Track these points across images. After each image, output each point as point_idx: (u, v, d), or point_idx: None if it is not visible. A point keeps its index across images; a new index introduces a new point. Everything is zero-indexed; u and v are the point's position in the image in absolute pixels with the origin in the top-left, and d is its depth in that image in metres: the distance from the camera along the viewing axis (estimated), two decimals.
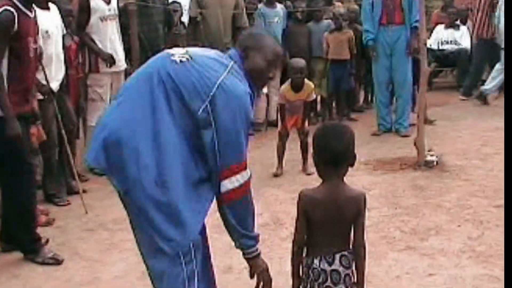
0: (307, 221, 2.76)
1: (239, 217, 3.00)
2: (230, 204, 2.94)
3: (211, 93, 2.79)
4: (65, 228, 5.18)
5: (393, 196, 5.59)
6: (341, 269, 2.75)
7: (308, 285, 2.80)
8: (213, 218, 5.15)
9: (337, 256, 2.75)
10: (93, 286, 4.11)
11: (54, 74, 5.64)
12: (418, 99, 6.80)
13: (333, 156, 2.70)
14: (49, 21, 5.60)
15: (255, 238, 3.08)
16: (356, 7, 9.13)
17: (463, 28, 11.21)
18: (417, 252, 4.38)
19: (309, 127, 6.59)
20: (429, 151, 6.53)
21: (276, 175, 6.42)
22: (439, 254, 4.33)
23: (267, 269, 3.13)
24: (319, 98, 9.08)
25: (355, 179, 6.06)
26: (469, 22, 11.49)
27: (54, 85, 5.60)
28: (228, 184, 2.87)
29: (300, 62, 6.42)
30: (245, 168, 2.90)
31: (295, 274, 2.86)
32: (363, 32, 8.23)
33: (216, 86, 2.80)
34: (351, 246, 2.81)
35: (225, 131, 2.81)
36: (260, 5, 8.63)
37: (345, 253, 2.78)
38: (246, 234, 3.06)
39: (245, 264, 4.22)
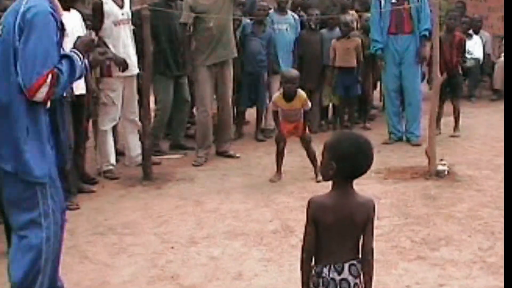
0: (316, 228, 2.75)
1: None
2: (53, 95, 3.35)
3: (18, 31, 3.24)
4: (75, 231, 5.18)
5: (404, 205, 5.56)
6: (350, 278, 2.74)
7: None
8: (223, 224, 5.21)
9: (346, 265, 2.75)
10: None
11: None
12: (430, 108, 6.75)
13: (361, 174, 2.74)
14: (69, 21, 5.67)
15: (77, 63, 3.46)
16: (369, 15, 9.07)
17: (476, 37, 11.17)
18: (428, 262, 4.36)
19: (315, 134, 6.57)
20: (440, 160, 6.50)
21: (272, 181, 6.44)
22: (449, 265, 4.30)
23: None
24: (331, 105, 9.10)
25: (366, 187, 6.02)
26: (482, 32, 11.47)
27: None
28: (43, 91, 3.26)
29: (291, 72, 6.49)
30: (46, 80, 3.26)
31: (304, 282, 2.82)
32: (371, 41, 8.23)
33: (18, 22, 3.24)
34: (359, 255, 2.81)
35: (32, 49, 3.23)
36: (270, 12, 8.62)
37: (354, 262, 2.77)
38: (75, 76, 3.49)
39: (256, 271, 4.25)
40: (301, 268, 2.83)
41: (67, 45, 5.61)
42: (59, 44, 3.42)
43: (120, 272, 4.36)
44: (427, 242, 4.71)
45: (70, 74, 3.39)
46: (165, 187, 6.36)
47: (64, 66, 3.37)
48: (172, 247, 4.75)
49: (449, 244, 4.66)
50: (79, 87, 5.83)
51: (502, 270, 4.11)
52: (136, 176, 6.66)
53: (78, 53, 3.50)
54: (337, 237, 2.74)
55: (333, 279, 2.72)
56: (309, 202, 2.76)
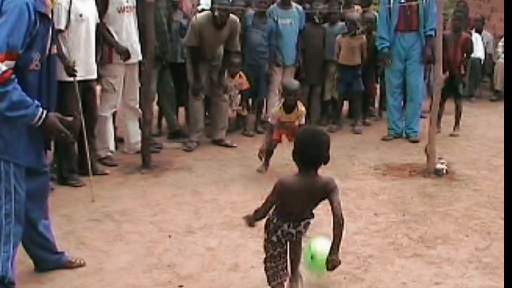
0: (278, 201, 3.41)
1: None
2: None
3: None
4: (72, 217, 5.17)
5: (402, 203, 5.57)
6: (303, 230, 3.53)
7: (275, 238, 3.50)
8: (221, 215, 5.21)
9: (302, 223, 3.49)
10: (98, 276, 4.10)
11: (83, 58, 5.79)
12: (431, 107, 6.75)
13: (309, 160, 3.34)
14: (85, 6, 5.89)
15: (30, 108, 3.38)
16: (372, 16, 8.98)
17: (477, 36, 11.16)
18: (424, 260, 4.36)
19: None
20: (439, 159, 6.51)
21: (259, 171, 6.51)
22: (446, 263, 4.31)
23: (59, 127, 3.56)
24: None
25: (364, 183, 6.05)
26: (484, 32, 11.47)
27: (83, 69, 5.81)
28: None
29: (293, 84, 6.51)
30: None
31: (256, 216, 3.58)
32: (377, 38, 8.22)
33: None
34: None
35: None
36: (273, 5, 8.56)
37: (310, 220, 3.51)
38: (20, 115, 3.37)
39: (252, 263, 4.25)
40: (257, 211, 3.54)
41: (82, 30, 5.80)
42: (33, 34, 3.43)
43: (116, 259, 4.36)
44: (424, 240, 4.72)
45: (17, 101, 3.32)
46: (163, 176, 6.36)
47: (19, 90, 3.33)
48: (169, 236, 4.75)
49: (445, 243, 4.67)
50: (90, 72, 5.98)
51: (498, 271, 4.14)
52: (134, 164, 6.65)
53: (41, 118, 3.43)
54: (298, 207, 3.43)
55: (290, 232, 3.47)
56: (278, 182, 3.37)
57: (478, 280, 4.07)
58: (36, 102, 3.42)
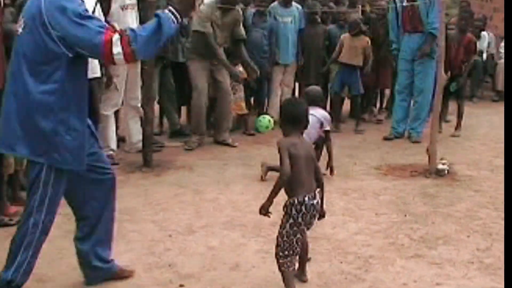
0: (290, 159, 3.57)
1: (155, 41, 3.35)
2: (135, 54, 3.31)
3: (44, 19, 3.22)
4: (73, 215, 5.14)
5: (403, 203, 5.56)
6: (319, 201, 3.75)
7: (300, 218, 3.65)
8: (222, 214, 5.21)
9: (315, 192, 3.71)
10: None
11: None
12: (433, 107, 6.74)
13: (298, 122, 3.75)
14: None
15: (165, 22, 3.34)
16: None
17: (484, 35, 11.16)
18: (425, 260, 4.35)
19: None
20: (441, 159, 6.50)
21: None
22: (447, 264, 4.30)
23: None
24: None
25: (366, 183, 6.05)
26: (487, 32, 11.48)
27: None
28: (118, 50, 3.25)
29: (315, 89, 6.52)
30: (112, 39, 3.23)
31: (271, 200, 3.70)
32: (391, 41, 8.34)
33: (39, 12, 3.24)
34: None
35: (68, 33, 3.24)
36: (273, 4, 8.57)
37: (317, 189, 3.74)
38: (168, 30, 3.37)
39: (253, 262, 4.24)
40: (275, 190, 3.66)
41: None
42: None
43: (117, 258, 4.32)
44: (425, 240, 4.71)
45: (154, 32, 3.31)
46: (165, 175, 6.35)
47: (144, 27, 3.39)
48: (170, 235, 4.75)
49: (447, 243, 4.66)
50: (93, 70, 5.92)
51: (499, 271, 4.13)
52: (136, 163, 6.65)
53: (174, 11, 3.37)
54: (306, 169, 3.67)
55: (312, 204, 3.67)
56: (279, 142, 3.65)
57: (480, 281, 4.06)
58: (160, 15, 3.36)
